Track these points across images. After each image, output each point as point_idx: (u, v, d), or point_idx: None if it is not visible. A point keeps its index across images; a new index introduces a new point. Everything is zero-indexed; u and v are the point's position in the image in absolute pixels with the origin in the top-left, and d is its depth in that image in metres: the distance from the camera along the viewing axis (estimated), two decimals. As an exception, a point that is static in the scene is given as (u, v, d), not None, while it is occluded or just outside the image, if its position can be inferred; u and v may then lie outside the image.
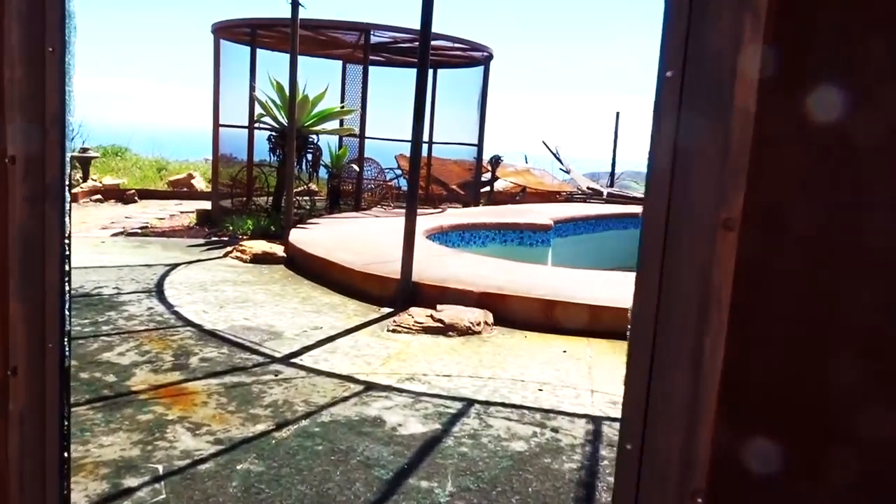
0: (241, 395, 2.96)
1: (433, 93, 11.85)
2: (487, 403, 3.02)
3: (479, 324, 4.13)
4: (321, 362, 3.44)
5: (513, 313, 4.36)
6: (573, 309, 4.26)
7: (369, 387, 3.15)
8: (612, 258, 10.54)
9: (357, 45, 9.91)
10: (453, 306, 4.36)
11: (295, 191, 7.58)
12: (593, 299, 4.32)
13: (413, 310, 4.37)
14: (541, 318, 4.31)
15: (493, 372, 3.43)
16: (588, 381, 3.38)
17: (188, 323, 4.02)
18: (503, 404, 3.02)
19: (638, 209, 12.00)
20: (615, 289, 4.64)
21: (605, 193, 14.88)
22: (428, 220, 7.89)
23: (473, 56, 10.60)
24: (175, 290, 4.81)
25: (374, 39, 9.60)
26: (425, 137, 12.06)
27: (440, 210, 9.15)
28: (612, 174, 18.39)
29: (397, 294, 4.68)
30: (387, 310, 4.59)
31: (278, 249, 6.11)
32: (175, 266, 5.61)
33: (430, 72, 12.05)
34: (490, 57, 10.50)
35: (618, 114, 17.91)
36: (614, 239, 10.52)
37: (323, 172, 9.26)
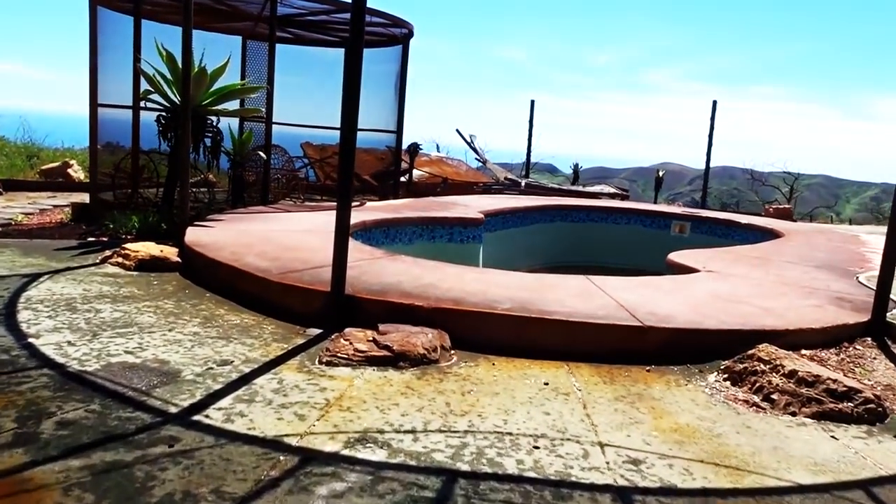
0: (118, 487, 2.00)
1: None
2: (475, 476, 2.20)
3: (434, 350, 3.30)
4: (235, 418, 2.51)
5: (474, 333, 3.55)
6: (546, 327, 3.51)
7: (307, 457, 2.25)
8: (543, 254, 9.98)
9: (261, 17, 8.77)
10: (399, 326, 3.51)
11: (191, 180, 6.45)
12: (568, 314, 3.59)
13: (350, 332, 3.48)
14: (508, 339, 3.54)
15: (468, 421, 2.62)
16: (590, 429, 2.63)
17: (45, 362, 2.95)
18: (496, 476, 2.21)
19: (565, 201, 11.55)
20: (588, 300, 3.93)
21: (522, 184, 14.37)
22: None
23: (392, 34, 9.68)
24: (32, 311, 3.68)
25: (281, 11, 8.50)
26: (336, 123, 11.05)
27: (359, 203, 8.22)
28: (528, 164, 17.96)
29: (327, 310, 3.78)
30: (315, 331, 3.68)
31: (171, 253, 5.02)
32: (36, 277, 4.43)
33: (340, 51, 11.01)
34: (410, 35, 9.62)
35: (532, 102, 17.48)
36: (542, 233, 9.95)
37: (224, 161, 8.08)
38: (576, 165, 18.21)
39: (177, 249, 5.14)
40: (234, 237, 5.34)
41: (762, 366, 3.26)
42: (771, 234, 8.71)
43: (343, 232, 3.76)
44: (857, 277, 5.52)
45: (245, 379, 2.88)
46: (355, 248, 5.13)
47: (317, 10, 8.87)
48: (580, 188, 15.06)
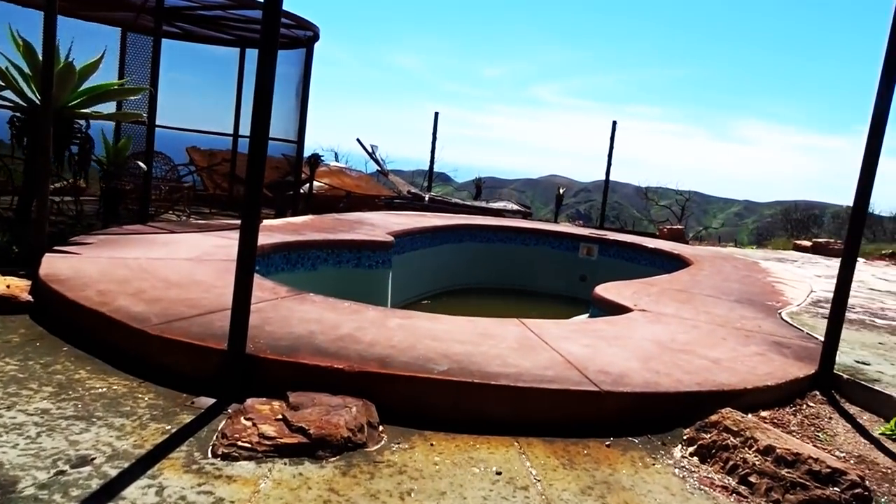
0: None
1: (240, 76, 9.99)
2: None
3: (361, 429, 2.69)
4: (95, 562, 1.80)
5: (405, 403, 2.98)
6: (492, 394, 2.99)
7: None
8: (452, 276, 9.51)
9: (144, 8, 7.78)
10: (315, 396, 2.87)
11: (54, 186, 5.47)
12: (515, 376, 3.08)
13: (252, 405, 2.80)
14: (447, 409, 2.98)
15: (414, 544, 2.04)
16: (564, 544, 2.12)
17: None
18: None
19: (473, 220, 11.16)
20: (531, 355, 3.45)
21: (426, 199, 13.92)
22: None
23: (296, 36, 8.93)
24: None
25: (169, 1, 7.56)
26: (228, 128, 10.14)
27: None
28: (431, 178, 17.54)
29: (223, 374, 3.07)
30: (207, 401, 2.97)
31: (21, 288, 4.10)
32: None
33: (239, 52, 10.15)
34: (315, 38, 8.91)
35: (437, 114, 17.09)
36: (452, 254, 9.50)
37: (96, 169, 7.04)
38: (479, 180, 17.98)
39: (29, 283, 4.22)
40: (103, 268, 4.47)
41: (732, 438, 2.89)
42: (678, 261, 8.69)
43: (247, 269, 3.07)
44: (780, 314, 5.40)
45: (109, 490, 2.15)
46: (255, 283, 4.41)
47: (210, 5, 7.99)
48: (484, 204, 14.79)
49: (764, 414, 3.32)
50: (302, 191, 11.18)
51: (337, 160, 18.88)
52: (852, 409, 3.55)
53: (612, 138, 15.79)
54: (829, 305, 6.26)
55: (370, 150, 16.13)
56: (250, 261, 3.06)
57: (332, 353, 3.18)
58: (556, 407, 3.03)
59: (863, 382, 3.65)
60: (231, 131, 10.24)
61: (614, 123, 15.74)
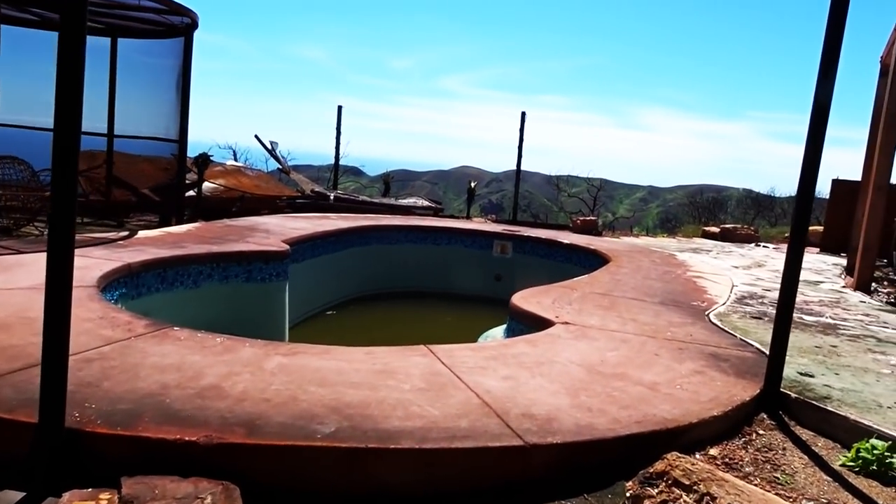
0: None
1: (112, 69, 8.91)
2: None
3: (216, 531, 2.01)
4: None
5: (281, 479, 2.32)
6: (391, 461, 2.37)
7: None
8: (358, 282, 8.82)
9: (-19, -12, 6.66)
10: (158, 482, 2.17)
11: None
12: (421, 432, 2.47)
13: (69, 501, 2.08)
14: (337, 483, 2.34)
15: None
16: None
17: None
18: None
19: (381, 221, 10.49)
20: (441, 396, 2.85)
21: (331, 198, 13.13)
22: (107, 252, 5.29)
23: (171, 23, 7.96)
24: None
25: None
26: (103, 128, 9.04)
27: (126, 234, 6.47)
28: (336, 174, 16.72)
29: (36, 455, 2.31)
30: (14, 496, 2.21)
31: None
32: None
33: (110, 41, 9.04)
34: (193, 25, 7.98)
35: (340, 108, 16.27)
36: (357, 258, 8.82)
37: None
38: (387, 175, 17.30)
39: None
40: None
41: (685, 496, 2.39)
42: (596, 257, 8.36)
43: (59, 308, 2.30)
44: (709, 317, 5.06)
45: None
46: (103, 318, 3.61)
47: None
48: (393, 201, 14.14)
49: (713, 452, 2.86)
50: (192, 193, 10.18)
51: (235, 159, 17.73)
52: (805, 435, 3.16)
53: (521, 129, 15.48)
54: (754, 302, 6.08)
55: (270, 147, 15.15)
56: (63, 296, 2.28)
57: (186, 416, 2.47)
58: (472, 470, 2.44)
59: (813, 402, 3.27)
60: (105, 130, 9.12)
61: (523, 114, 15.45)
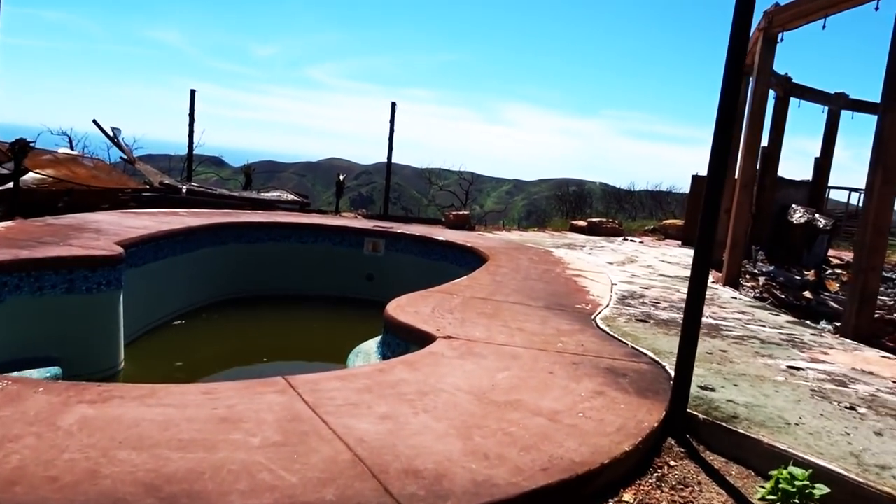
0: None
1: None
2: None
3: None
4: None
5: None
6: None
7: None
8: (213, 287, 7.86)
9: None
10: None
11: None
12: (271, 515, 1.84)
13: None
14: None
15: None
16: None
17: None
18: None
19: (239, 217, 9.50)
20: (301, 452, 2.21)
21: (183, 190, 11.91)
22: None
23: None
24: None
25: None
26: None
27: None
28: (190, 164, 15.32)
29: None
30: None
31: None
32: None
33: None
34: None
35: (193, 91, 14.88)
36: (212, 260, 7.88)
37: None
38: (248, 166, 16.10)
39: None
40: None
41: (608, 569, 1.94)
42: (472, 255, 7.97)
43: None
44: (595, 322, 4.76)
45: None
46: None
47: None
48: (255, 195, 13.08)
49: (627, 498, 2.44)
50: (7, 187, 8.71)
51: (71, 147, 15.77)
52: (717, 462, 2.83)
53: (392, 120, 14.90)
54: (635, 303, 5.87)
55: (112, 133, 13.54)
56: None
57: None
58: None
59: (723, 424, 2.96)
60: None
61: (393, 104, 14.87)
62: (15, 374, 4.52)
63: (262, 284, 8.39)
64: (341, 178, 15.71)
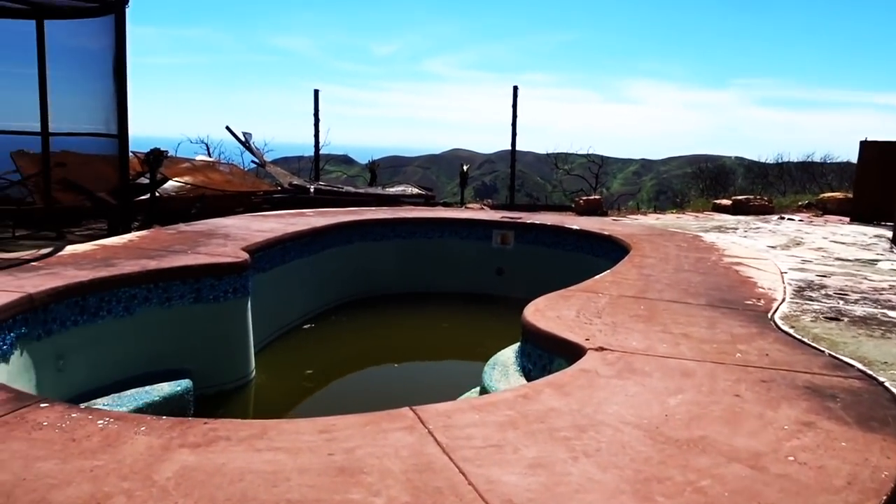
0: None
1: (41, 56, 7.71)
2: None
3: None
4: None
5: None
6: None
7: None
8: (339, 288, 7.68)
9: None
10: None
11: None
12: None
13: None
14: None
15: None
16: None
17: None
18: None
19: (364, 215, 9.34)
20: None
21: (311, 190, 11.98)
22: (7, 280, 4.10)
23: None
24: None
25: None
26: (33, 125, 7.86)
27: (48, 252, 5.30)
28: (317, 165, 15.54)
29: None
30: None
31: None
32: None
33: (35, 24, 7.83)
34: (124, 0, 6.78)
35: (316, 92, 15.06)
36: (338, 260, 7.69)
37: None
38: (372, 163, 16.10)
39: None
40: None
41: None
42: (612, 245, 7.25)
43: None
44: (775, 322, 3.96)
45: None
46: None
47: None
48: (380, 191, 12.97)
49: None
50: (145, 196, 9.02)
51: (209, 154, 16.50)
52: None
53: (514, 105, 14.32)
54: (817, 295, 4.95)
55: (243, 138, 13.94)
56: None
57: None
58: None
59: None
60: (38, 129, 7.93)
61: (515, 88, 14.27)
62: (146, 388, 4.44)
63: (390, 283, 8.13)
64: (465, 168, 15.33)
